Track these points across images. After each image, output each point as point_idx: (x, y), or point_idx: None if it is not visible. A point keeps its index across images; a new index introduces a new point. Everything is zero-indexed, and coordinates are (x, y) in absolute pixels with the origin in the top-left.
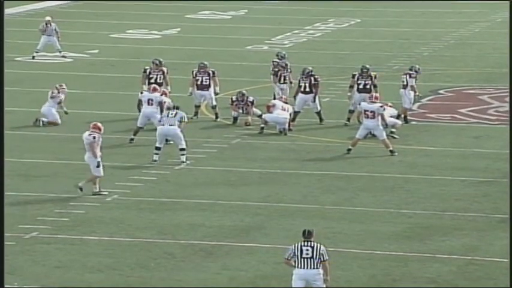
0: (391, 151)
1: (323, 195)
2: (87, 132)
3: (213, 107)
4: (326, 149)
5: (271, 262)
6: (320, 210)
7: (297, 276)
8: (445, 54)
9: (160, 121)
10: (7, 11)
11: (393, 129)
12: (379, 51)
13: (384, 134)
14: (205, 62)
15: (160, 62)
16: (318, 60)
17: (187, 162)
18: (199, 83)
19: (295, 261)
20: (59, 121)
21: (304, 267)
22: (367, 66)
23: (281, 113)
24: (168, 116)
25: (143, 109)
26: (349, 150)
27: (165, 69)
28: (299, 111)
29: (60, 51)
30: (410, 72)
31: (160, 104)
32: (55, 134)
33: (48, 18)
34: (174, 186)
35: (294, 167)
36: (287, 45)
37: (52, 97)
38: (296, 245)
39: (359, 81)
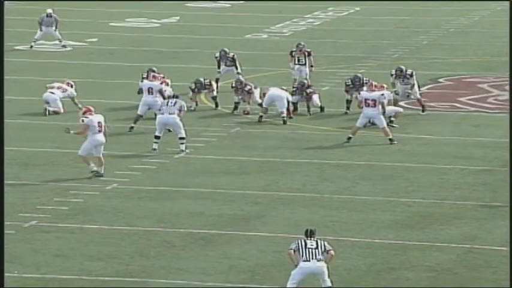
0: (390, 139)
1: (322, 184)
2: (99, 116)
3: (213, 98)
4: (325, 138)
5: (270, 251)
6: (319, 198)
7: (302, 270)
8: (445, 42)
9: (159, 110)
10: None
11: (393, 119)
12: (378, 40)
13: (384, 122)
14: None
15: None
16: (317, 49)
17: (187, 151)
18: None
19: (300, 253)
20: (62, 110)
21: (309, 259)
22: (359, 75)
23: (277, 90)
24: (167, 104)
25: (144, 98)
26: (349, 138)
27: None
28: (297, 102)
29: (60, 41)
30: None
31: (161, 92)
32: (54, 122)
33: (49, 10)
34: (173, 175)
35: (294, 155)
36: (286, 34)
37: (63, 90)
38: (300, 239)
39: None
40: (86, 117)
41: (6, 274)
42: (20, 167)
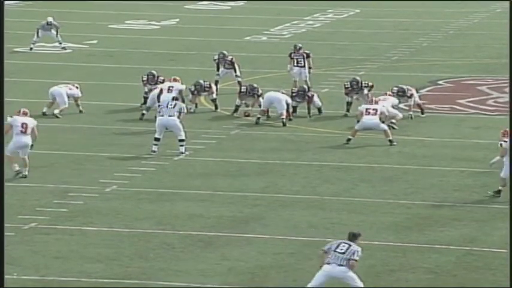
0: (390, 141)
1: (322, 186)
2: (27, 118)
3: (213, 100)
4: (325, 140)
5: (270, 253)
6: (319, 200)
7: (323, 272)
8: (444, 44)
9: (159, 112)
10: (6, 1)
11: (393, 120)
12: (378, 42)
13: (385, 126)
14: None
15: (154, 75)
16: (317, 51)
17: (186, 153)
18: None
19: (329, 256)
20: (67, 104)
21: (331, 262)
22: (357, 78)
23: (276, 92)
24: (167, 106)
25: (162, 97)
26: (348, 140)
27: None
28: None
29: (60, 43)
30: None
31: (181, 93)
32: (53, 124)
33: (50, 19)
34: (173, 176)
35: (293, 157)
36: (286, 36)
37: (70, 88)
38: (336, 241)
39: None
40: (10, 116)
41: (6, 276)
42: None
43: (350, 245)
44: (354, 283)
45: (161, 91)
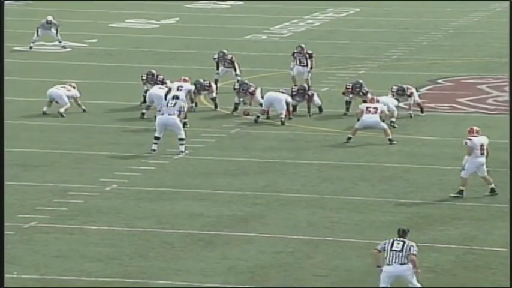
0: (390, 139)
1: (322, 185)
2: None
3: (213, 99)
4: (325, 139)
5: (270, 252)
6: (319, 199)
7: (386, 274)
8: (444, 43)
9: (159, 111)
10: (6, 1)
11: (393, 119)
12: (378, 41)
13: (385, 125)
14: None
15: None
16: (316, 50)
17: (186, 152)
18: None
19: (385, 256)
20: (69, 104)
21: (391, 262)
22: (360, 81)
23: (275, 92)
24: (167, 105)
25: (169, 96)
26: (348, 138)
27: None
28: (297, 105)
29: (60, 42)
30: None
31: (190, 93)
32: (53, 123)
33: (49, 18)
34: (172, 175)
35: (293, 156)
36: (286, 35)
37: (68, 90)
38: (389, 240)
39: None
40: None
41: (5, 275)
42: (20, 168)
43: (404, 242)
44: (414, 282)
45: (170, 90)
